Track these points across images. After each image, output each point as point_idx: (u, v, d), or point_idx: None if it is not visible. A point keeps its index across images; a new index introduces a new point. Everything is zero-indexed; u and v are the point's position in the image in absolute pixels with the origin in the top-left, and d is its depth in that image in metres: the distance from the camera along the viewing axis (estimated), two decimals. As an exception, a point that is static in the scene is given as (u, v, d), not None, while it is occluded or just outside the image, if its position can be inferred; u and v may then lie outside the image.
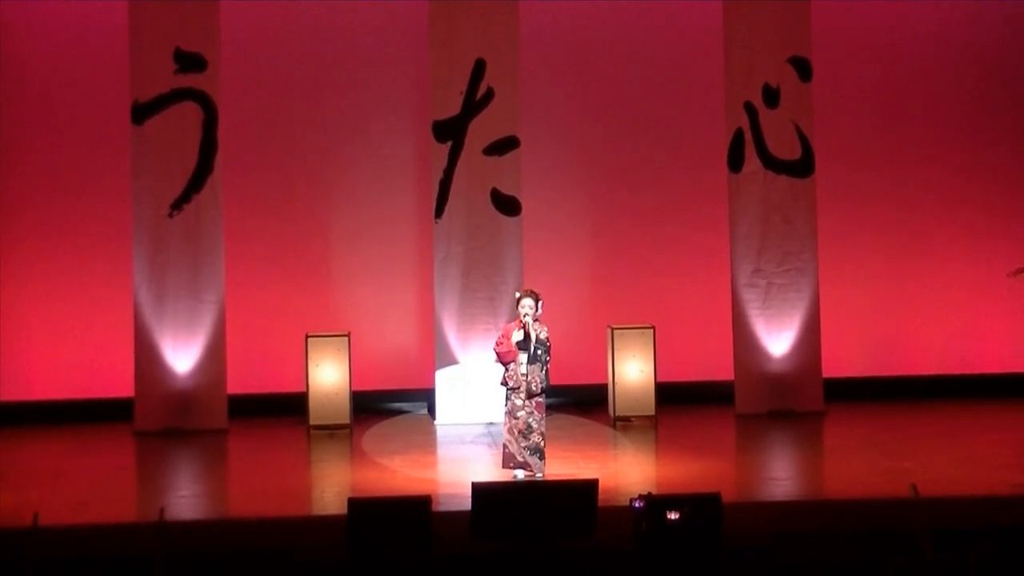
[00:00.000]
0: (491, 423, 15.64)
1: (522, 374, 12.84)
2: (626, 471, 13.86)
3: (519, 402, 12.86)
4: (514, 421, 12.89)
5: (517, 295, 13.11)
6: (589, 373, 16.46)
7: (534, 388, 12.84)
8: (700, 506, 10.65)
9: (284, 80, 17.09)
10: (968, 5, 17.51)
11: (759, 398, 16.29)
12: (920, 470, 13.07)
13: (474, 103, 16.10)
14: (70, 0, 16.80)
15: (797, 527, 11.63)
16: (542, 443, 12.94)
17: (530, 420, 12.87)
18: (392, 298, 17.14)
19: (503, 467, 12.95)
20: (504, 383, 12.95)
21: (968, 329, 17.51)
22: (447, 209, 16.12)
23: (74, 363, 16.77)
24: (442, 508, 11.60)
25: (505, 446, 12.96)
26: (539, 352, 12.81)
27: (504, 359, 12.86)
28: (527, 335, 12.79)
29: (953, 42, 17.55)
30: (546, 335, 12.86)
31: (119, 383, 16.28)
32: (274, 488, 13.15)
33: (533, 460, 12.86)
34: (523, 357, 12.83)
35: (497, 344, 12.95)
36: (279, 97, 17.09)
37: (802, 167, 16.39)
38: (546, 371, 12.87)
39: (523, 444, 12.88)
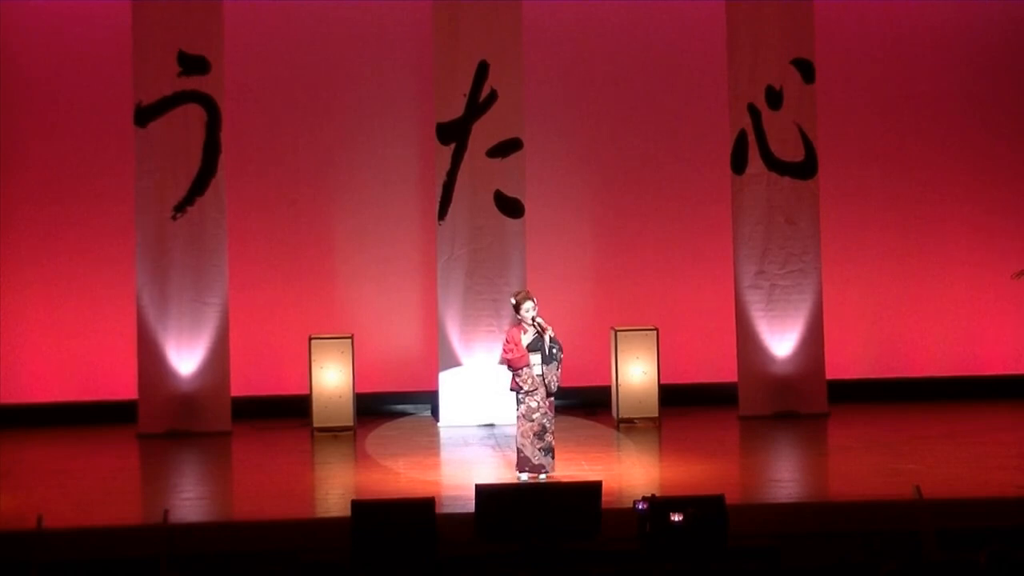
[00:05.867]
0: (491, 425, 15.66)
1: (537, 375, 12.85)
2: (630, 473, 13.86)
3: (534, 404, 12.88)
4: (529, 424, 12.90)
5: (514, 301, 13.08)
6: (592, 375, 16.44)
7: (552, 388, 12.87)
8: (704, 508, 10.65)
9: (287, 82, 17.08)
10: (971, 5, 17.49)
11: (763, 400, 16.28)
12: (924, 471, 13.08)
13: (477, 105, 16.10)
14: (73, 1, 16.81)
15: (801, 529, 11.64)
16: (553, 442, 12.97)
17: (544, 421, 12.90)
18: (395, 300, 17.14)
19: (518, 470, 12.96)
20: (515, 389, 12.95)
21: (972, 330, 17.49)
22: (450, 211, 16.12)
23: (77, 366, 16.76)
24: (446, 510, 11.62)
25: (520, 450, 12.97)
26: (554, 351, 12.83)
27: (516, 364, 12.88)
28: (540, 335, 12.80)
29: (955, 43, 17.54)
30: (553, 333, 12.88)
31: (122, 386, 16.28)
32: (278, 490, 13.16)
33: (547, 460, 12.91)
34: (537, 358, 12.85)
35: (506, 351, 12.95)
36: (282, 99, 17.08)
37: (805, 169, 16.38)
38: (560, 369, 12.89)
39: (539, 445, 12.90)
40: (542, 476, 12.84)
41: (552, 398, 12.95)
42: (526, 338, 12.85)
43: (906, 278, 17.49)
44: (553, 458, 12.95)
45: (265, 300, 16.93)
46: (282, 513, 12.18)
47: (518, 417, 12.96)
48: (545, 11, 16.99)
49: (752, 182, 16.37)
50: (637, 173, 17.35)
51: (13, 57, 16.74)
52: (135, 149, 15.91)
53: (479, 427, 15.79)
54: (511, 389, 13.01)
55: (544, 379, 12.86)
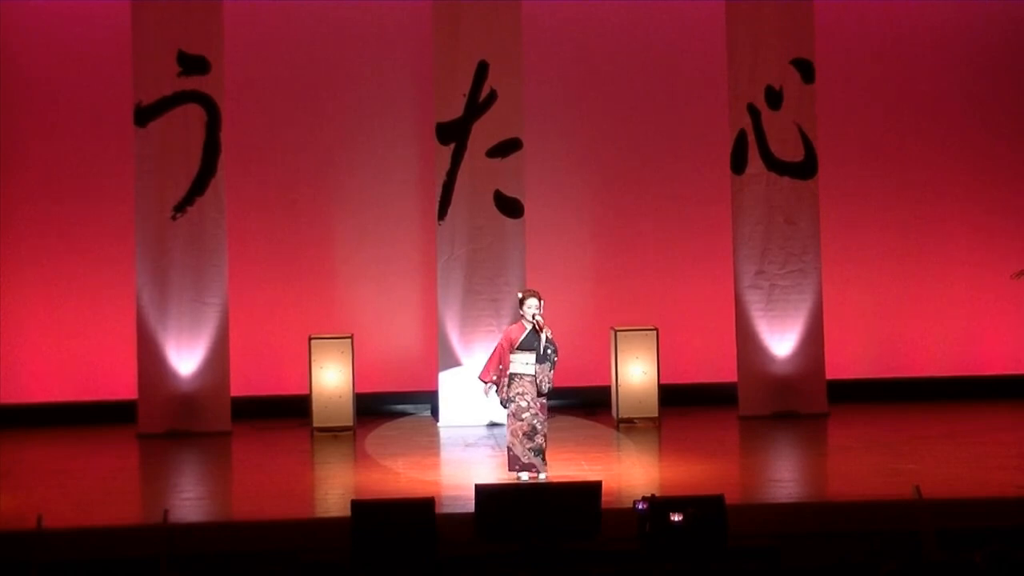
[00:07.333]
0: (499, 424, 15.66)
1: (530, 374, 12.85)
2: (629, 473, 13.86)
3: (524, 404, 12.88)
4: (519, 423, 12.90)
5: (520, 295, 13.17)
6: (592, 375, 16.45)
7: (543, 388, 12.86)
8: (704, 508, 10.65)
9: (287, 82, 17.08)
10: (971, 5, 17.49)
11: (762, 400, 16.27)
12: (924, 471, 13.07)
13: (477, 105, 16.10)
14: (73, 1, 16.80)
15: (801, 529, 11.63)
16: (544, 444, 12.96)
17: (534, 422, 12.89)
18: (395, 300, 17.14)
19: (509, 470, 12.97)
20: (490, 383, 13.01)
21: (972, 330, 17.49)
22: (450, 211, 16.12)
23: (77, 366, 16.76)
24: (446, 510, 11.61)
25: (509, 448, 12.98)
26: (548, 351, 12.84)
27: (481, 376, 12.94)
28: (537, 332, 12.81)
29: (955, 43, 17.53)
30: (551, 335, 12.89)
31: (122, 386, 16.28)
32: (278, 490, 13.16)
33: (537, 461, 12.89)
34: (532, 357, 12.86)
35: (492, 357, 13.02)
36: (282, 99, 17.07)
37: (805, 169, 16.38)
38: (552, 371, 12.89)
39: (528, 446, 12.89)
40: (542, 476, 12.84)
41: (544, 399, 12.95)
42: (527, 337, 12.86)
43: (906, 278, 17.49)
44: (544, 461, 12.93)
45: (265, 300, 16.93)
46: (282, 513, 12.18)
47: (508, 415, 12.98)
48: (545, 11, 16.99)
49: (752, 182, 16.37)
50: (637, 173, 17.35)
51: (13, 57, 16.74)
52: (135, 149, 15.91)
53: (479, 427, 15.79)
54: (480, 379, 13.12)
55: (536, 378, 12.86)
